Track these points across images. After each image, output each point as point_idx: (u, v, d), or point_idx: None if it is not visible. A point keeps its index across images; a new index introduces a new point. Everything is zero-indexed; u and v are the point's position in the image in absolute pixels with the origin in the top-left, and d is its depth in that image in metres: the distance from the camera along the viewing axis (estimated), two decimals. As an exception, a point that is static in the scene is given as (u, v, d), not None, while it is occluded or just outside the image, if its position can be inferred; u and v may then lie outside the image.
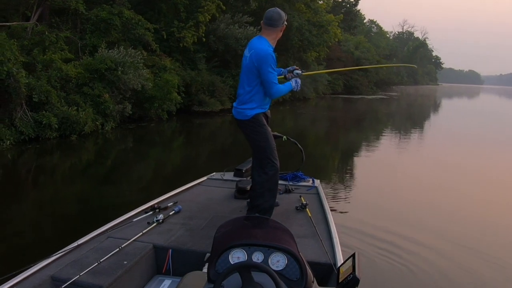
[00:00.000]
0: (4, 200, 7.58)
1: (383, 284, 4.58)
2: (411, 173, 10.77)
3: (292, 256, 1.96)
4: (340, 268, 2.19)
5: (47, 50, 14.07)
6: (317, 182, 5.04)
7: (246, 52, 3.77)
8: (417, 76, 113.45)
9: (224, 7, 23.49)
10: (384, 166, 11.79)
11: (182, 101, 18.90)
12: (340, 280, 2.07)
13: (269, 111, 4.12)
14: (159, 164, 11.58)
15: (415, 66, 14.83)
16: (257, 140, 3.83)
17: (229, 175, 5.31)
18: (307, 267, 1.96)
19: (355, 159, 13.23)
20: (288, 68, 4.22)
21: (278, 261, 1.97)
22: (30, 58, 13.46)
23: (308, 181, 5.10)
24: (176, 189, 4.70)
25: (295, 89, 4.00)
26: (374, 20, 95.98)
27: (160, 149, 13.99)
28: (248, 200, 4.11)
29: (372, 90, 54.40)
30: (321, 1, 38.22)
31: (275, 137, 4.24)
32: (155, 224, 3.63)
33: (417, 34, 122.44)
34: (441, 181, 9.76)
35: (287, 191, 4.72)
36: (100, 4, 17.41)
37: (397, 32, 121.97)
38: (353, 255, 2.17)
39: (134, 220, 3.73)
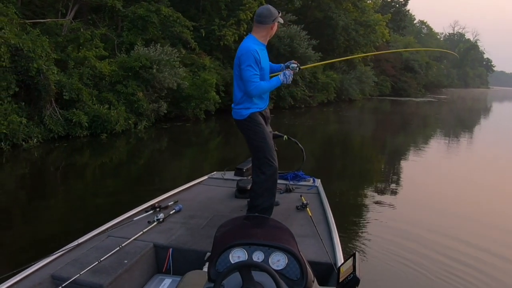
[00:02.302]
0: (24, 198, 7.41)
1: (383, 284, 4.48)
2: (424, 176, 10.06)
3: (293, 255, 1.94)
4: (341, 267, 2.15)
5: (81, 47, 13.57)
6: (318, 181, 4.94)
7: None
8: (467, 78, 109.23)
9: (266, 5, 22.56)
10: (403, 170, 11.09)
11: (221, 100, 17.94)
12: (340, 280, 2.03)
13: (268, 110, 3.98)
14: (189, 165, 10.77)
15: (456, 54, 12.92)
16: (254, 140, 3.73)
17: (229, 174, 5.18)
18: (307, 266, 1.94)
19: (379, 162, 12.35)
20: (286, 63, 3.99)
21: (278, 261, 1.94)
22: (63, 55, 13.00)
23: (309, 180, 5.00)
24: (176, 188, 4.58)
25: (284, 82, 3.73)
26: (425, 21, 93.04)
27: (193, 149, 13.13)
28: (249, 199, 3.98)
29: (420, 93, 51.98)
30: (369, 1, 36.66)
31: (276, 136, 4.30)
32: (155, 223, 3.56)
33: (468, 35, 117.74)
34: (454, 186, 9.22)
35: (288, 190, 4.63)
36: (138, 1, 16.82)
37: (447, 34, 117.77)
38: (354, 255, 2.12)
39: (135, 219, 3.64)
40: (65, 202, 7.38)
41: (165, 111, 15.23)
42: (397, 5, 52.11)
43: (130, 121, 13.59)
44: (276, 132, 4.36)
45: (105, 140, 12.37)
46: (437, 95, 58.06)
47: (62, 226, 5.90)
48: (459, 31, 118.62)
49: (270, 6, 3.68)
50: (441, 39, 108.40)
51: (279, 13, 3.70)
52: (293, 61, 3.98)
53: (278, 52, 22.98)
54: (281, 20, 3.73)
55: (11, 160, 9.99)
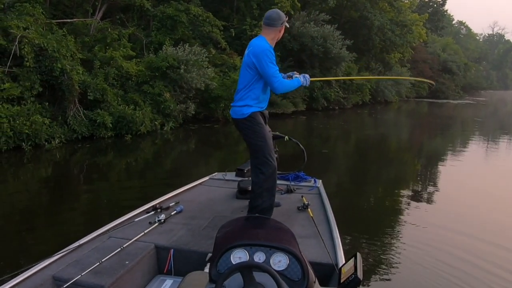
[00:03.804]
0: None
1: (385, 284, 4.37)
2: (441, 182, 9.35)
3: (294, 256, 1.90)
4: (342, 268, 2.12)
5: (108, 47, 13.14)
6: (319, 182, 4.83)
7: (246, 51, 3.70)
8: (507, 80, 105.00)
9: (298, 4, 21.72)
10: (418, 175, 10.13)
11: (251, 101, 17.25)
12: (341, 280, 2.01)
13: (266, 111, 3.87)
14: (217, 167, 10.09)
15: (433, 83, 11.00)
16: (254, 139, 3.65)
17: (231, 175, 5.07)
18: (308, 267, 1.90)
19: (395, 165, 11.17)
20: (287, 74, 3.93)
21: (279, 261, 1.90)
22: (90, 55, 12.60)
23: (310, 181, 4.89)
24: (177, 189, 4.47)
25: (304, 84, 3.79)
26: (463, 22, 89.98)
27: (222, 151, 12.43)
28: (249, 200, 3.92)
29: (458, 95, 49.76)
30: (406, 0, 35.22)
31: (277, 137, 4.31)
32: (156, 224, 3.48)
33: (508, 36, 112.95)
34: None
35: (289, 191, 4.52)
36: (167, 1, 16.31)
37: (487, 35, 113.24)
38: (355, 256, 2.09)
39: (136, 220, 3.56)
40: (84, 204, 7.00)
41: (193, 112, 14.63)
42: (435, 5, 50.29)
43: (156, 122, 13.07)
44: (277, 133, 4.34)
45: (129, 141, 11.87)
46: (476, 97, 55.53)
47: (81, 228, 5.44)
48: (498, 31, 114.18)
49: (278, 10, 3.74)
50: (480, 40, 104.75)
51: (286, 17, 3.72)
52: (295, 72, 3.95)
53: (312, 52, 22.08)
54: (287, 25, 3.76)
55: (32, 161, 9.62)
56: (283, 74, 3.91)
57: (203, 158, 11.10)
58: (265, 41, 3.59)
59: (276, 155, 3.83)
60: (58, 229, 5.56)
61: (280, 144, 4.42)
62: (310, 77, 3.90)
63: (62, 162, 9.91)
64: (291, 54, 21.95)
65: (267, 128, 3.81)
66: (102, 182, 8.55)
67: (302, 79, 3.76)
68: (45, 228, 5.71)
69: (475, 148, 14.67)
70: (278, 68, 3.56)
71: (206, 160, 10.89)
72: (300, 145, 4.93)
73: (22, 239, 5.22)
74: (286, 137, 4.67)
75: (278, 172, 3.82)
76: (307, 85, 3.86)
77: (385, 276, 4.52)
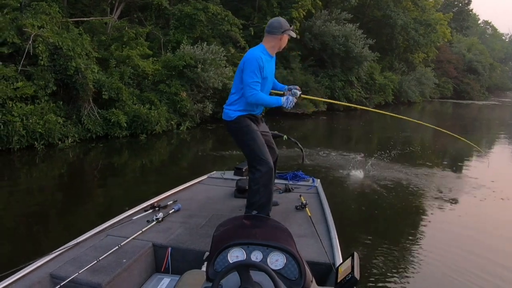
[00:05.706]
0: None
1: (381, 284, 4.32)
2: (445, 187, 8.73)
3: (291, 255, 1.90)
4: (339, 267, 2.09)
5: (125, 46, 12.85)
6: (317, 181, 4.78)
7: None
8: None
9: (320, 3, 21.14)
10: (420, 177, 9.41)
11: (270, 101, 16.79)
12: (338, 280, 1.98)
13: (259, 116, 3.83)
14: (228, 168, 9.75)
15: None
16: (243, 141, 3.66)
17: (229, 174, 5.01)
18: (305, 266, 1.90)
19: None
20: (289, 86, 3.95)
21: (276, 260, 1.89)
22: (106, 54, 12.33)
23: (308, 180, 4.84)
24: (176, 187, 4.41)
25: (284, 106, 3.69)
26: (489, 21, 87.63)
27: (239, 151, 12.11)
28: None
29: (483, 96, 48.26)
30: (431, -1, 34.23)
31: (276, 136, 4.25)
32: (154, 222, 3.45)
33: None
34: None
35: (287, 190, 4.47)
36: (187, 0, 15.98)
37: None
38: (352, 255, 2.06)
39: (134, 218, 3.53)
40: (96, 204, 6.81)
41: (211, 112, 14.18)
42: (460, 4, 48.96)
43: (172, 122, 12.71)
44: (275, 132, 4.31)
45: (144, 141, 11.53)
46: (501, 98, 53.82)
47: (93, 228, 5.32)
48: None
49: (281, 19, 3.69)
50: (506, 40, 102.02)
51: (291, 26, 3.67)
52: (297, 87, 3.91)
53: (333, 51, 21.49)
54: (293, 34, 3.68)
55: (45, 160, 9.38)
56: (285, 87, 3.96)
57: (219, 158, 10.70)
58: (260, 50, 3.57)
59: (276, 152, 3.86)
60: (69, 228, 5.45)
61: (282, 144, 4.16)
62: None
63: (75, 162, 9.66)
64: (312, 53, 21.43)
65: (262, 128, 3.78)
66: (115, 181, 8.31)
67: (284, 100, 3.65)
68: (56, 226, 5.64)
69: (501, 152, 13.93)
70: (258, 79, 3.48)
71: (223, 160, 10.46)
72: (299, 144, 4.92)
73: (34, 238, 5.15)
74: (285, 136, 4.66)
75: (276, 171, 3.84)
76: (286, 108, 3.72)
77: (382, 276, 4.47)
